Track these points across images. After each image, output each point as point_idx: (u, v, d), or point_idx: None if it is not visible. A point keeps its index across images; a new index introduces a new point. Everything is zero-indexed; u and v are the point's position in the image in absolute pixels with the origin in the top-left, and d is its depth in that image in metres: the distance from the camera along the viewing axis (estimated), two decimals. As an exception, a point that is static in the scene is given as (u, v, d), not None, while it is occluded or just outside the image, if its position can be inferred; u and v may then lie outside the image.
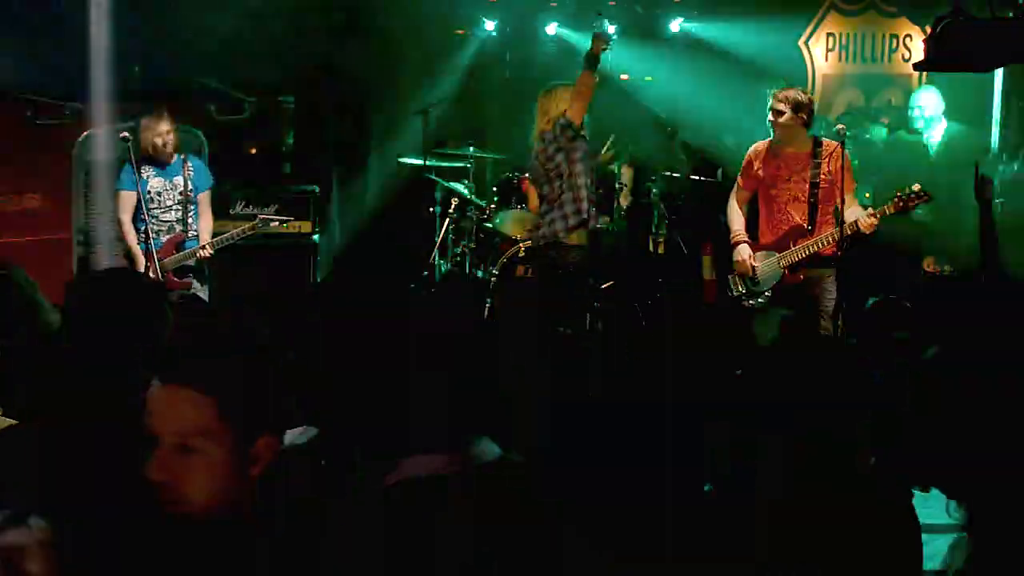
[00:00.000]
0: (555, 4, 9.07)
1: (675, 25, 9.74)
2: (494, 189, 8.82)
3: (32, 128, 8.08)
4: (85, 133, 7.93)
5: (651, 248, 8.81)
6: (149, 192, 6.99)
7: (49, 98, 8.10)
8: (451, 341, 2.27)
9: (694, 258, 8.90)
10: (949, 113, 8.02)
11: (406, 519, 2.06)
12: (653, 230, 8.87)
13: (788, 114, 6.26)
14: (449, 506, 2.08)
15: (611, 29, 6.68)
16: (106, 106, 7.87)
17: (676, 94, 9.37)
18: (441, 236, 8.79)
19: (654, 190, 8.78)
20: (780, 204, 6.40)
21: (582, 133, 6.72)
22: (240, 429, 2.00)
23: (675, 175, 8.87)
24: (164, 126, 6.96)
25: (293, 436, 2.35)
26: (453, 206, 8.76)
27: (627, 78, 9.68)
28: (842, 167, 6.21)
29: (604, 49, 6.56)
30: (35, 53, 7.75)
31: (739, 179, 6.65)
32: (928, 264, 7.04)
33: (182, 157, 7.09)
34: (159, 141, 6.94)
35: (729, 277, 6.68)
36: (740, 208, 6.64)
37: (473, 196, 8.77)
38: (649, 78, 9.74)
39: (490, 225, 8.32)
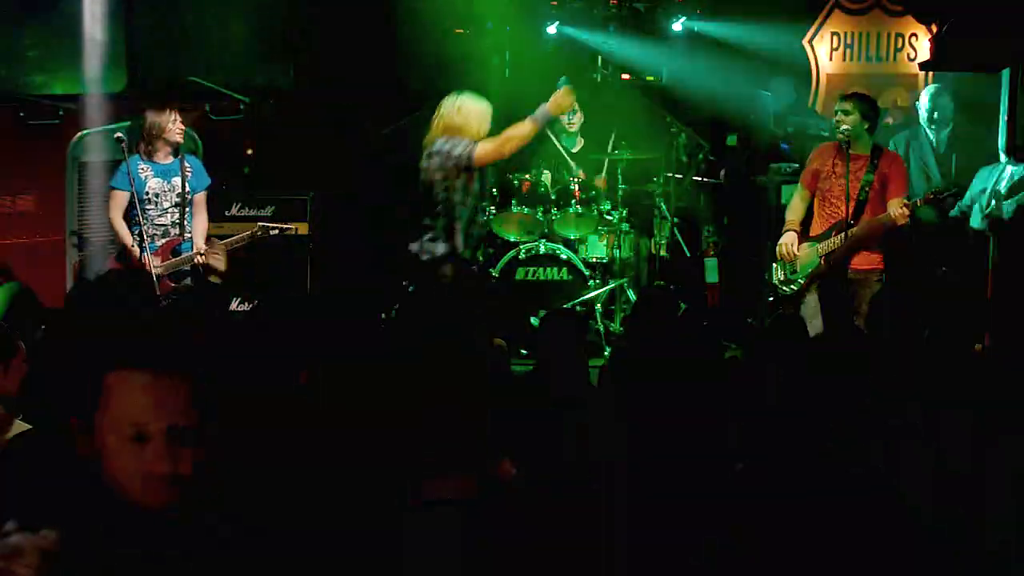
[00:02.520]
0: (555, 3, 9.00)
1: (678, 24, 9.67)
2: (494, 190, 8.71)
3: (25, 129, 8.03)
4: (79, 134, 7.86)
5: (653, 251, 8.73)
6: (147, 193, 6.92)
7: (42, 98, 8.06)
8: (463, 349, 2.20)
9: (697, 261, 8.83)
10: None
11: (430, 541, 2.04)
12: (655, 232, 8.78)
13: (855, 115, 6.50)
14: (474, 528, 2.05)
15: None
16: (100, 107, 7.81)
17: (679, 93, 9.32)
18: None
19: (656, 191, 8.71)
20: (831, 199, 6.63)
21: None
22: (210, 407, 2.03)
23: (677, 176, 8.79)
24: (173, 116, 6.93)
25: None
26: (452, 208, 8.65)
27: (628, 77, 9.61)
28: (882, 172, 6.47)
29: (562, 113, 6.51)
30: (29, 52, 7.70)
31: (801, 177, 6.88)
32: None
33: (180, 157, 7.01)
34: (169, 130, 6.90)
35: (773, 264, 6.90)
36: (800, 206, 6.83)
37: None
38: (651, 77, 9.69)
39: (490, 227, 8.22)
